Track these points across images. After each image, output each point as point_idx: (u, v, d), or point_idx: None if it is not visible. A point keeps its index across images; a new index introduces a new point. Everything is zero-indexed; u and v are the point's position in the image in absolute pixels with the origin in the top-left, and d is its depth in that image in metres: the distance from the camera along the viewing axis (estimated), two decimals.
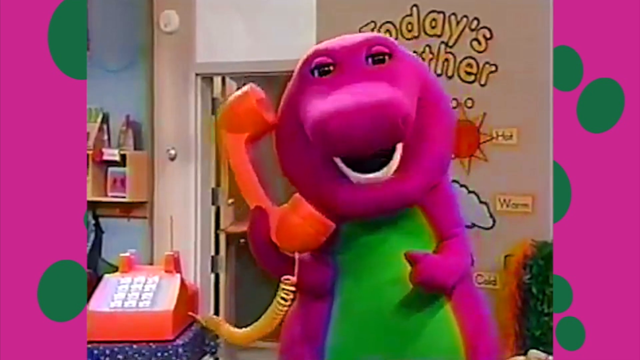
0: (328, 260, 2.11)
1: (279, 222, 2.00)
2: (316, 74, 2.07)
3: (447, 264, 2.04)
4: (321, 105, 1.95)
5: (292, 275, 2.00)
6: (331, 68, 2.05)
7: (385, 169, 1.99)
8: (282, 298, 2.00)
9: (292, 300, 2.03)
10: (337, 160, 2.01)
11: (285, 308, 2.02)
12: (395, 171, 2.00)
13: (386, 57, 2.05)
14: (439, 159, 2.09)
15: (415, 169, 2.01)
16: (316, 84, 2.05)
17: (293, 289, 2.01)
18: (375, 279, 2.07)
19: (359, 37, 2.17)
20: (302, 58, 2.14)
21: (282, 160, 2.15)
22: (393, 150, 1.99)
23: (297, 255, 2.01)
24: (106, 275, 3.22)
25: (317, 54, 2.10)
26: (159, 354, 2.94)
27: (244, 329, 2.17)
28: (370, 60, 2.04)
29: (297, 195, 2.03)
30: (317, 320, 2.13)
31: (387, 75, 2.00)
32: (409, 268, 1.99)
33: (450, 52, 3.23)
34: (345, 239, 2.08)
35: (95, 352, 2.89)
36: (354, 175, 1.99)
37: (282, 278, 2.01)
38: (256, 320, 2.11)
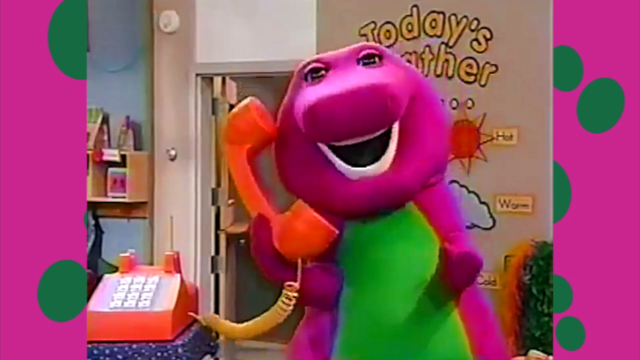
0: (333, 270, 2.11)
1: (281, 229, 2.00)
2: (309, 78, 2.13)
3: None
4: (311, 94, 2.02)
5: (295, 281, 2.00)
6: (323, 72, 2.12)
7: (377, 164, 2.00)
8: (284, 303, 2.00)
9: (294, 306, 2.02)
10: (333, 157, 2.03)
11: (286, 313, 2.01)
12: (389, 167, 2.02)
13: (376, 59, 2.12)
14: (432, 155, 2.10)
15: (407, 165, 2.02)
16: (309, 85, 2.11)
17: (296, 294, 2.00)
18: (379, 287, 2.06)
19: (348, 47, 2.24)
20: (296, 69, 2.20)
21: (279, 163, 2.17)
22: (387, 144, 2.02)
23: (300, 263, 2.01)
24: (106, 275, 3.23)
25: (309, 62, 2.18)
26: (159, 354, 2.94)
27: (242, 325, 2.17)
28: (361, 62, 2.11)
29: (299, 201, 2.03)
30: (323, 328, 2.12)
31: (378, 71, 2.07)
32: (413, 274, 2.01)
33: (450, 53, 3.23)
34: (348, 245, 2.08)
35: (95, 352, 2.89)
36: (348, 169, 2.01)
37: (285, 284, 2.01)
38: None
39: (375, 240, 2.08)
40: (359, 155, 2.00)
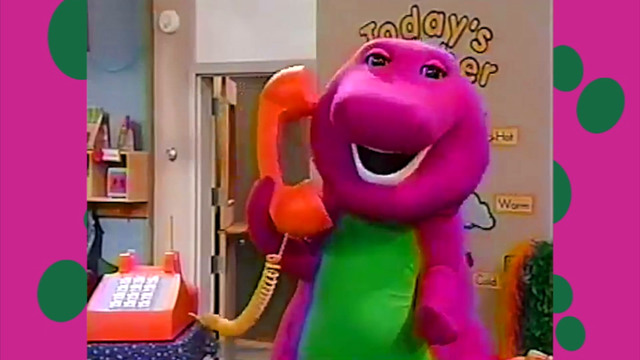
0: (315, 249, 2.11)
1: (281, 201, 2.01)
2: (369, 62, 2.05)
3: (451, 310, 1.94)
4: (353, 84, 1.96)
5: (277, 253, 2.01)
6: (385, 62, 2.04)
7: (392, 176, 1.96)
8: (268, 277, 2.02)
9: (277, 279, 2.02)
10: (355, 153, 1.99)
11: (271, 287, 2.02)
12: (401, 183, 1.97)
13: (440, 74, 2.02)
14: (451, 188, 2.02)
15: (419, 188, 1.97)
16: (363, 70, 2.04)
17: (277, 267, 2.01)
18: (348, 286, 2.06)
19: (422, 45, 2.17)
20: (362, 47, 2.13)
21: (312, 133, 2.14)
22: (410, 160, 1.96)
23: (286, 237, 2.02)
24: (106, 275, 3.23)
25: (377, 45, 2.09)
26: (159, 354, 2.94)
27: (234, 320, 2.18)
28: (424, 70, 2.01)
29: (307, 182, 2.04)
30: (298, 309, 2.16)
31: (429, 89, 1.97)
32: (380, 284, 2.01)
33: (450, 53, 3.23)
34: (336, 237, 2.09)
35: (95, 352, 2.90)
36: (363, 171, 1.98)
37: (268, 256, 2.02)
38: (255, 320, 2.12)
39: (360, 241, 2.08)
40: (380, 161, 1.96)
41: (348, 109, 1.89)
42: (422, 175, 1.97)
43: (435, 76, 2.02)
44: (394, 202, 1.96)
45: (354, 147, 1.99)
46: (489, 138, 2.23)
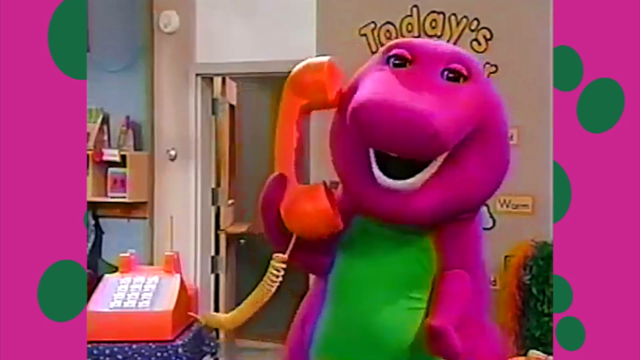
0: (329, 248, 2.10)
1: (291, 201, 2.00)
2: (391, 63, 2.02)
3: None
4: (368, 90, 1.93)
5: (284, 252, 2.00)
6: (407, 64, 2.00)
7: (408, 181, 1.93)
8: (271, 274, 2.00)
9: (282, 277, 2.01)
10: (372, 156, 1.97)
11: (274, 287, 2.01)
12: (418, 188, 1.95)
13: (461, 78, 1.98)
14: (467, 195, 2.00)
15: (434, 194, 1.94)
16: (384, 70, 2.00)
17: (283, 265, 2.00)
18: (362, 287, 2.05)
19: (446, 47, 2.13)
20: (384, 47, 2.09)
21: (332, 129, 2.11)
22: (427, 165, 1.94)
23: (294, 236, 2.01)
24: (106, 275, 3.23)
25: (399, 45, 2.05)
26: (159, 354, 2.94)
27: (229, 314, 2.17)
28: (445, 73, 1.97)
29: (319, 184, 2.02)
30: (313, 307, 2.14)
31: (448, 94, 1.93)
32: (394, 286, 2.00)
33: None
34: (351, 238, 2.08)
35: (95, 352, 2.90)
36: (379, 175, 1.96)
37: (274, 255, 2.01)
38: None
39: (373, 242, 2.07)
40: (396, 166, 1.94)
41: (363, 114, 1.87)
42: (439, 181, 1.94)
43: (457, 80, 1.97)
44: (409, 207, 1.94)
45: (371, 150, 1.97)
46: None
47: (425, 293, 2.01)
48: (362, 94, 1.92)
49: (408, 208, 1.95)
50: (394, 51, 2.02)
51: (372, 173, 1.97)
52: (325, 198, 1.97)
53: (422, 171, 1.93)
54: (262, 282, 2.03)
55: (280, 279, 2.01)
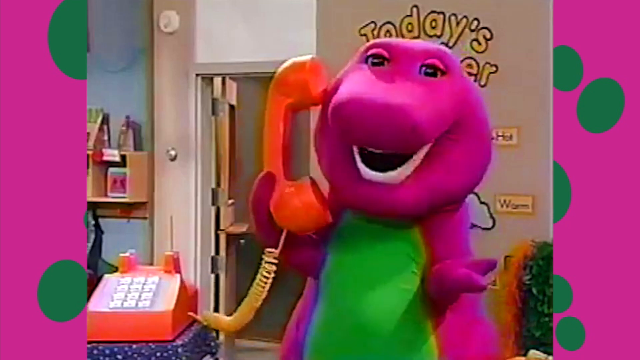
0: (320, 245, 2.14)
1: (279, 198, 2.03)
2: (369, 62, 2.07)
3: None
4: (347, 88, 1.98)
5: (277, 248, 2.03)
6: (385, 63, 2.05)
7: (391, 173, 1.98)
8: (265, 271, 2.03)
9: (275, 278, 2.04)
10: (356, 151, 2.02)
11: (268, 283, 2.04)
12: (402, 181, 1.99)
13: (438, 73, 2.02)
14: (451, 186, 2.04)
15: (418, 186, 1.99)
16: (363, 69, 2.05)
17: (275, 261, 2.04)
18: (352, 281, 2.08)
19: (423, 44, 2.20)
20: (362, 47, 2.14)
21: (316, 127, 2.16)
22: (410, 158, 1.98)
23: (285, 232, 2.04)
24: (106, 275, 3.23)
25: (377, 45, 2.11)
26: (159, 354, 2.94)
27: (231, 316, 2.18)
28: (423, 69, 2.02)
29: (306, 179, 2.05)
30: (306, 304, 2.18)
31: (426, 89, 1.98)
32: (383, 279, 2.02)
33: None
34: (339, 234, 2.11)
35: (95, 352, 2.90)
36: (364, 169, 2.00)
37: (266, 250, 2.04)
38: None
39: (362, 237, 2.09)
40: (379, 160, 1.98)
41: (343, 111, 1.93)
42: (422, 173, 1.99)
43: (434, 75, 2.02)
44: (393, 199, 1.98)
45: (354, 147, 2.01)
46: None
47: (415, 284, 2.04)
48: (342, 93, 1.97)
49: (392, 200, 1.98)
50: (372, 51, 2.08)
51: (356, 169, 2.01)
52: (312, 193, 2.01)
53: (404, 164, 1.97)
54: (256, 280, 2.06)
55: (272, 274, 2.03)
